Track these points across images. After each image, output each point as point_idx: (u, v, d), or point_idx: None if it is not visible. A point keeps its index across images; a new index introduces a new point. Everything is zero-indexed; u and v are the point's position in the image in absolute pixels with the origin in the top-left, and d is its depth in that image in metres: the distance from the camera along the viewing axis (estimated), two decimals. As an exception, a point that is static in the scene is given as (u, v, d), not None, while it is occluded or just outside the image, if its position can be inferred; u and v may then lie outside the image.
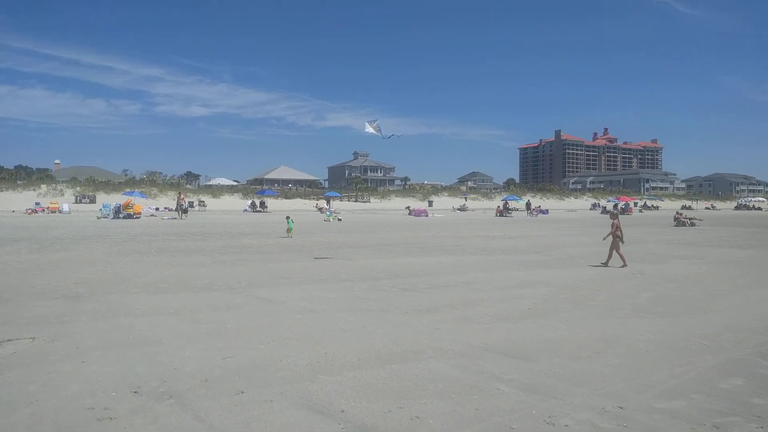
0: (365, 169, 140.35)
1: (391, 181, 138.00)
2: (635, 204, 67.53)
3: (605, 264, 13.85)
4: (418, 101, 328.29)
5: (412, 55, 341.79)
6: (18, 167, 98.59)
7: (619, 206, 61.70)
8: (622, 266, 13.34)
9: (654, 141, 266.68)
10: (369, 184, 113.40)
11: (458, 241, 21.30)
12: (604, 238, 14.38)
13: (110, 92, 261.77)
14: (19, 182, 63.57)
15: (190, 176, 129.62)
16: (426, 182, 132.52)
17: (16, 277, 11.19)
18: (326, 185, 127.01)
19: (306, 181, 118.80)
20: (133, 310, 8.04)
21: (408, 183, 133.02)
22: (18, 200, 52.06)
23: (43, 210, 42.84)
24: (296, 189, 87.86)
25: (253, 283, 10.54)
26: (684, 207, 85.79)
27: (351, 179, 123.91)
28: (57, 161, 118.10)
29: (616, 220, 14.26)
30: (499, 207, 51.77)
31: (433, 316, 7.76)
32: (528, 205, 52.25)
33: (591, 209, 73.74)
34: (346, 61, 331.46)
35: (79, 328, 6.89)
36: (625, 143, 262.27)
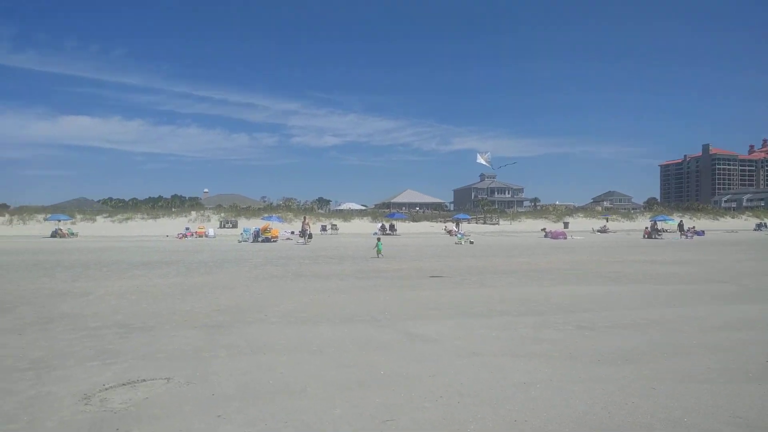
0: (492, 191, 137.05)
1: (520, 203, 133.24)
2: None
3: None
4: (543, 120, 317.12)
5: (536, 75, 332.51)
6: (174, 196, 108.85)
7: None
8: None
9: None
10: (497, 206, 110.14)
11: (615, 266, 18.77)
12: None
13: (252, 126, 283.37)
14: (173, 209, 69.57)
15: (322, 201, 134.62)
16: (557, 203, 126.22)
17: (162, 302, 11.03)
18: (452, 208, 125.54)
19: (432, 204, 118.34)
20: (273, 345, 7.16)
21: (538, 204, 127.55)
22: (172, 225, 56.64)
23: (192, 234, 45.92)
24: (423, 212, 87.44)
25: (398, 315, 9.37)
26: None
27: (477, 201, 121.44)
28: (206, 190, 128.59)
29: None
30: (647, 228, 46.85)
31: (638, 367, 5.99)
32: (681, 225, 46.72)
33: (756, 230, 64.82)
34: (470, 87, 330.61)
35: (216, 368, 6.07)
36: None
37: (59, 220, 50.17)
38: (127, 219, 61.74)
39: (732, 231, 62.50)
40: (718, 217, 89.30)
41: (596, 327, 8.24)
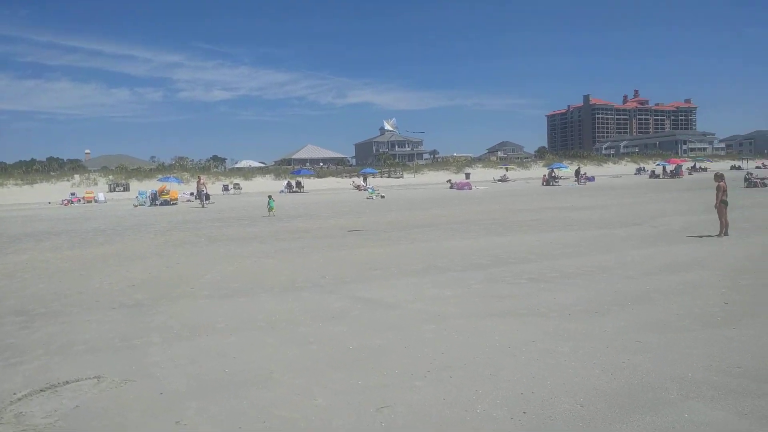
0: (393, 144, 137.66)
1: (419, 155, 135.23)
2: (687, 167, 63.85)
3: (725, 233, 11.74)
4: (438, 74, 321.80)
5: (431, 28, 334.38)
6: (50, 159, 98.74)
7: (668, 169, 58.52)
8: (719, 235, 11.45)
9: (688, 101, 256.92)
10: (397, 159, 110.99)
11: (529, 214, 19.22)
12: (716, 204, 12.05)
13: (133, 80, 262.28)
14: (52, 173, 63.17)
15: (217, 159, 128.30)
16: (455, 154, 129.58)
17: (62, 279, 9.60)
18: (354, 162, 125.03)
19: (334, 159, 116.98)
20: (212, 324, 6.29)
21: (437, 156, 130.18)
22: (53, 191, 51.41)
23: (79, 200, 41.89)
24: (327, 167, 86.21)
25: (339, 278, 8.74)
26: (733, 167, 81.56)
27: (379, 155, 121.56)
28: (87, 151, 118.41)
29: (722, 183, 12.05)
30: (545, 176, 49.13)
31: (611, 320, 5.83)
32: (578, 172, 49.46)
33: (636, 174, 70.39)
34: (363, 38, 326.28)
35: (154, 357, 5.16)
36: (657, 105, 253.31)
37: None
38: (-2, 186, 55.26)
39: (617, 176, 67.36)
40: (601, 164, 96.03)
41: (546, 278, 8.11)
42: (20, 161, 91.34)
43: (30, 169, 67.77)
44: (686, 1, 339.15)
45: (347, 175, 71.89)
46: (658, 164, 64.83)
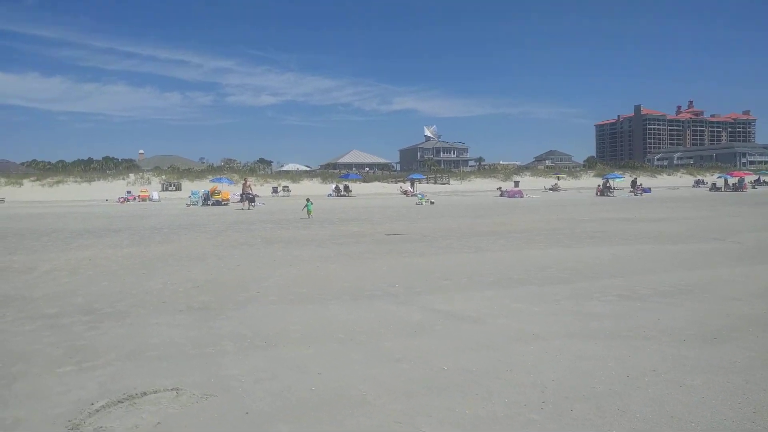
0: (437, 151, 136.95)
1: (465, 162, 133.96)
2: (749, 180, 60.73)
3: None
4: (483, 81, 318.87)
5: (477, 38, 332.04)
6: (106, 158, 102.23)
7: (730, 182, 55.80)
8: None
9: (746, 113, 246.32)
10: (442, 166, 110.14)
11: (594, 225, 18.30)
12: None
13: (185, 85, 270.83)
14: (108, 172, 65.22)
15: (263, 162, 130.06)
16: (501, 162, 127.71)
17: (126, 278, 9.45)
18: (398, 168, 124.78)
19: (378, 164, 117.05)
20: (287, 333, 5.89)
21: (483, 163, 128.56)
22: (109, 189, 53.02)
23: (134, 198, 42.94)
24: (374, 172, 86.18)
25: (411, 287, 8.24)
26: (800, 182, 77.22)
27: (424, 161, 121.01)
28: (141, 151, 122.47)
29: None
30: (599, 186, 47.52)
31: (735, 348, 5.13)
32: (634, 182, 47.66)
33: (694, 186, 67.51)
34: (408, 45, 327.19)
35: (231, 369, 4.78)
36: (713, 116, 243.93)
37: (-19, 185, 45.82)
38: (58, 182, 57.41)
39: (674, 188, 64.77)
40: (655, 175, 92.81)
41: (639, 296, 7.40)
42: (79, 160, 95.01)
43: (88, 168, 70.28)
44: (744, 11, 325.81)
45: (393, 180, 71.59)
46: (719, 176, 62.03)
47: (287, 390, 4.27)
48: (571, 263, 10.28)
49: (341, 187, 50.90)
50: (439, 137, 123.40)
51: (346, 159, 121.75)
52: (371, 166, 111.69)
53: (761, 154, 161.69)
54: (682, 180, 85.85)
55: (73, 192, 53.54)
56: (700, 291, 7.69)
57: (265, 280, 9.05)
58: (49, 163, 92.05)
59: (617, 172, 72.12)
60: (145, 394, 4.21)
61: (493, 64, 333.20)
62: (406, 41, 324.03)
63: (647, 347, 5.17)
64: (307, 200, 24.77)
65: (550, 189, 57.62)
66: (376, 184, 68.06)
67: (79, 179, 59.32)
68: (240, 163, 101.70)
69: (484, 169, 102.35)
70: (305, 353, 5.18)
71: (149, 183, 58.35)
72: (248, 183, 33.03)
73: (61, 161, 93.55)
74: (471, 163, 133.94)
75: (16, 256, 12.61)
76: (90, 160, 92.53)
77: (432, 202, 35.80)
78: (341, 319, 6.46)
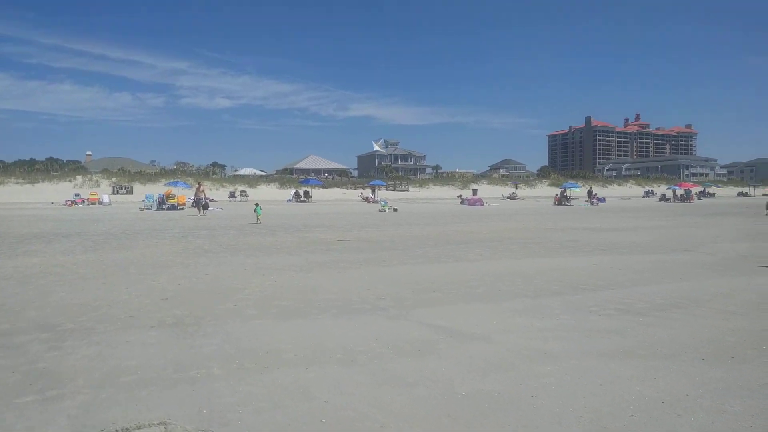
0: (395, 158, 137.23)
1: (422, 170, 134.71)
2: (695, 191, 63.18)
3: None
4: (439, 91, 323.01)
5: (434, 48, 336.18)
6: (50, 159, 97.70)
7: (678, 193, 57.89)
8: None
9: (688, 126, 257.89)
10: (400, 173, 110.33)
11: (562, 235, 18.33)
12: None
13: (136, 86, 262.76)
14: (53, 173, 62.17)
15: (217, 166, 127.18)
16: (458, 170, 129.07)
17: (84, 288, 8.63)
18: (356, 174, 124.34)
19: (336, 170, 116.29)
20: (278, 351, 5.35)
21: (439, 171, 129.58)
22: (55, 192, 50.44)
23: (83, 201, 40.91)
24: (332, 178, 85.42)
25: (400, 300, 7.80)
26: (741, 194, 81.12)
27: (382, 168, 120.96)
28: (89, 152, 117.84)
29: None
30: (557, 195, 48.37)
31: (761, 368, 4.91)
32: (590, 192, 48.72)
33: (645, 197, 69.78)
34: (366, 52, 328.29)
35: (225, 396, 4.21)
36: (658, 129, 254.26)
37: None
38: (-1, 184, 54.23)
39: (626, 198, 66.77)
40: (606, 185, 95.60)
41: (637, 310, 7.19)
42: (20, 160, 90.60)
43: (31, 169, 66.75)
44: (689, 29, 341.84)
45: (353, 186, 71.09)
46: (669, 188, 64.23)
47: (295, 423, 3.75)
48: (555, 274, 10.07)
49: (301, 192, 50.02)
50: (386, 149, 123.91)
51: (304, 164, 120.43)
52: (329, 171, 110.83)
53: (702, 167, 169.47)
54: (632, 190, 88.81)
55: (14, 194, 50.65)
56: (695, 304, 7.54)
57: (240, 292, 8.43)
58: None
59: (578, 182, 73.86)
60: (127, 430, 3.60)
61: (449, 74, 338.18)
62: (364, 49, 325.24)
63: (669, 367, 4.89)
64: (256, 204, 25.51)
65: (508, 197, 58.36)
66: (336, 190, 67.39)
67: (21, 180, 56.25)
68: (193, 166, 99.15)
69: (441, 177, 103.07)
70: (305, 377, 4.65)
71: (98, 186, 55.88)
72: (202, 188, 30.87)
73: (1, 161, 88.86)
74: (428, 170, 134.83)
75: (-45, 263, 11.49)
76: (33, 161, 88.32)
77: (395, 209, 35.52)
78: (334, 336, 5.95)
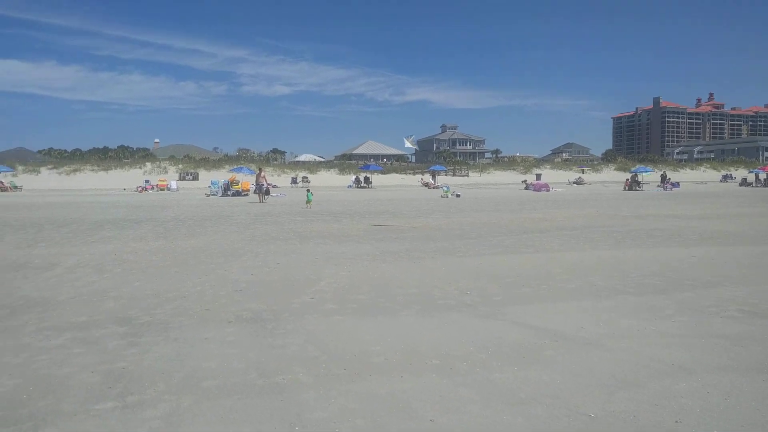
0: (454, 142, 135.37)
1: (481, 154, 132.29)
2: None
3: None
4: (495, 73, 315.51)
5: (487, 27, 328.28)
6: (121, 147, 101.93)
7: (761, 177, 53.94)
8: None
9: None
10: (459, 158, 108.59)
11: (645, 222, 17.10)
12: None
13: (199, 74, 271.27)
14: (125, 161, 64.71)
15: (277, 152, 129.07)
16: (518, 154, 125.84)
17: (157, 278, 8.48)
18: (413, 159, 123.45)
19: (394, 155, 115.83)
20: (366, 354, 4.86)
21: (499, 155, 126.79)
22: (126, 178, 52.44)
23: (153, 188, 42.24)
24: (391, 164, 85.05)
25: (487, 295, 7.18)
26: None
27: (440, 152, 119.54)
28: (156, 140, 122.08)
29: None
30: (627, 180, 46.02)
31: None
32: (663, 177, 46.10)
33: (722, 181, 65.63)
34: (422, 37, 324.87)
35: (316, 411, 3.75)
36: (734, 109, 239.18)
37: (-1, 172, 45.31)
38: (75, 171, 56.98)
39: (702, 182, 63.03)
40: (677, 169, 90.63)
41: (765, 312, 6.28)
42: (94, 148, 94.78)
43: (105, 156, 69.80)
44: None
45: (412, 171, 70.42)
46: (750, 171, 60.02)
47: (379, 425, 3.24)
48: (652, 267, 9.16)
49: (362, 178, 49.84)
50: (416, 144, 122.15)
51: (361, 150, 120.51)
52: (388, 157, 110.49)
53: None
54: (707, 174, 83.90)
55: (90, 181, 53.05)
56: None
57: (315, 283, 8.04)
58: (65, 151, 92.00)
59: (646, 166, 70.15)
60: (215, 450, 3.19)
61: (507, 57, 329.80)
62: (419, 33, 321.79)
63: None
64: (308, 191, 27.52)
65: (574, 182, 56.20)
66: (395, 175, 66.92)
67: (96, 168, 58.83)
68: (255, 153, 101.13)
69: (502, 161, 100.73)
70: (401, 388, 4.13)
71: (166, 172, 57.71)
72: (263, 174, 30.13)
73: (78, 150, 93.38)
74: (487, 155, 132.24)
75: (36, 249, 11.72)
76: (106, 149, 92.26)
77: (458, 195, 34.67)
78: (424, 336, 5.41)
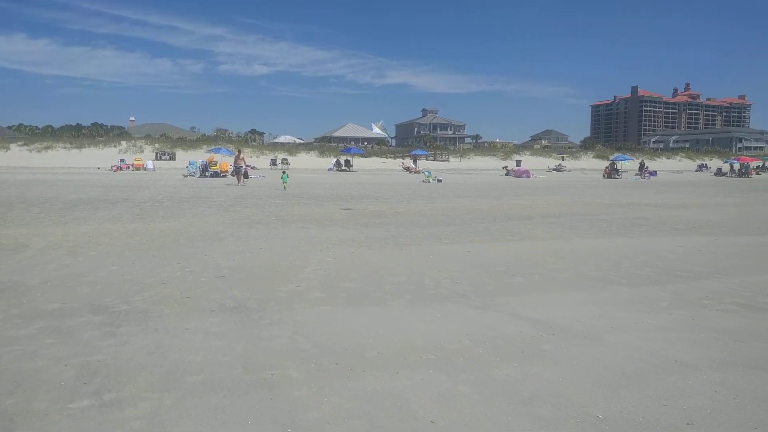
0: (434, 127, 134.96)
1: (461, 139, 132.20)
2: (754, 166, 59.73)
3: None
4: (476, 58, 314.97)
5: (468, 12, 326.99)
6: (95, 124, 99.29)
7: (735, 167, 54.92)
8: None
9: (742, 97, 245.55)
10: (439, 142, 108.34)
11: (627, 211, 17.14)
12: None
13: (176, 52, 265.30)
14: (99, 139, 63.07)
15: (255, 133, 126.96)
16: (498, 140, 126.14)
17: (135, 262, 8.12)
18: (393, 143, 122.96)
19: (374, 139, 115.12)
20: (359, 348, 4.64)
21: (479, 141, 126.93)
22: (100, 157, 51.12)
23: (128, 167, 41.21)
24: (372, 147, 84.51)
25: (480, 285, 7.00)
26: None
27: (420, 137, 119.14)
28: (132, 118, 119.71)
29: None
30: (606, 168, 46.39)
31: None
32: (642, 165, 46.54)
33: (698, 170, 66.63)
34: (403, 19, 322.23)
35: (310, 410, 3.52)
36: (709, 99, 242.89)
37: (-35, 148, 43.67)
38: (47, 148, 55.41)
39: (678, 171, 63.89)
40: (654, 158, 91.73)
41: (760, 305, 6.22)
42: (67, 125, 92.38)
43: (78, 134, 67.97)
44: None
45: (392, 155, 70.04)
46: (725, 161, 61.03)
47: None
48: (641, 257, 9.08)
49: (342, 161, 49.34)
50: (385, 131, 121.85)
51: (341, 132, 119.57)
52: (367, 140, 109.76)
53: (757, 140, 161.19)
54: (682, 164, 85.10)
55: (62, 158, 51.59)
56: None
57: (301, 270, 7.77)
58: (36, 127, 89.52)
59: (625, 155, 70.75)
60: (203, 457, 2.94)
61: (489, 42, 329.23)
62: (401, 15, 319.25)
63: None
64: (283, 172, 26.42)
65: (554, 169, 56.48)
66: (375, 159, 66.48)
67: (68, 145, 57.23)
68: (233, 133, 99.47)
69: (482, 146, 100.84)
70: (398, 385, 3.92)
71: (141, 151, 56.41)
72: (242, 156, 28.96)
73: (49, 126, 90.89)
74: (467, 140, 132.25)
75: (4, 229, 11.22)
76: (79, 126, 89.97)
77: (439, 180, 34.51)
78: (418, 329, 5.21)
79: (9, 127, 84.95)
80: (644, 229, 12.89)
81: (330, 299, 6.24)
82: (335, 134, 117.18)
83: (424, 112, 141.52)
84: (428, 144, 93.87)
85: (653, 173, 49.33)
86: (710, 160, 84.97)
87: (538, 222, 13.87)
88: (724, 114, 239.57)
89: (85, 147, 57.02)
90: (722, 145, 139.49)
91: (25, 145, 56.17)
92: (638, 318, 5.62)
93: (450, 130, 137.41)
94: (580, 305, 6.08)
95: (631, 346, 4.77)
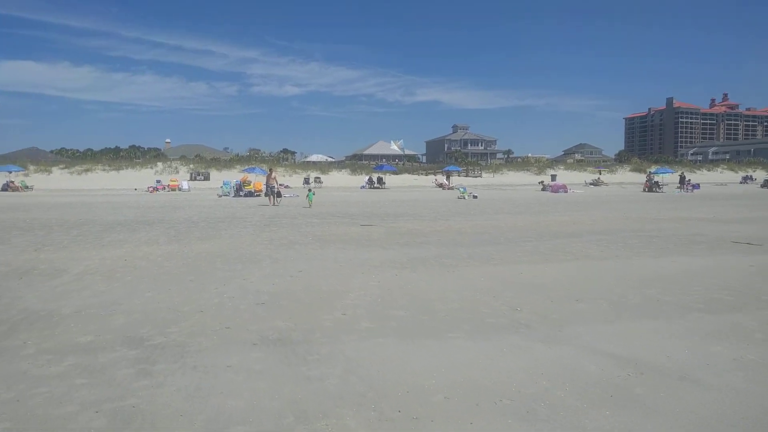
0: (465, 143, 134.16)
1: (493, 155, 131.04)
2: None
3: None
4: (506, 73, 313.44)
5: (498, 28, 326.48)
6: (132, 147, 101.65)
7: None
8: None
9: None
10: (470, 158, 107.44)
11: (679, 226, 16.19)
12: None
13: (210, 75, 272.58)
14: (136, 161, 64.40)
15: (287, 153, 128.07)
16: (530, 155, 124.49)
17: (171, 287, 7.75)
18: (424, 160, 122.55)
19: (405, 156, 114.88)
20: (421, 390, 4.08)
21: (511, 156, 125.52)
22: (137, 178, 52.02)
23: (164, 188, 41.71)
24: (403, 164, 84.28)
25: (540, 312, 6.38)
26: None
27: (451, 153, 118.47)
28: (168, 140, 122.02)
29: None
30: (646, 181, 44.90)
31: None
32: (683, 179, 44.90)
33: (742, 183, 64.21)
34: (432, 37, 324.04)
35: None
36: (749, 109, 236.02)
37: (10, 172, 44.90)
38: (87, 171, 56.72)
39: (722, 184, 61.69)
40: (693, 170, 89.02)
41: None
42: (106, 148, 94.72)
43: (116, 156, 69.58)
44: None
45: (424, 172, 69.53)
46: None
47: None
48: (713, 278, 8.30)
49: (375, 179, 49.05)
50: (403, 150, 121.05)
51: (372, 150, 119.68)
52: (398, 157, 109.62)
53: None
54: (724, 176, 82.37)
55: (101, 180, 52.71)
56: None
57: (345, 295, 7.28)
58: (77, 151, 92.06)
59: (665, 167, 68.70)
60: None
61: (518, 57, 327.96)
62: (430, 34, 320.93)
63: None
64: (309, 191, 27.14)
65: (591, 183, 55.09)
66: (407, 176, 66.05)
67: (107, 167, 58.53)
68: (265, 153, 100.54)
69: (515, 161, 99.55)
70: (474, 440, 3.35)
71: (177, 172, 57.27)
72: (274, 175, 27.84)
73: (90, 149, 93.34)
74: (499, 155, 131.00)
75: (43, 253, 11.06)
76: (117, 149, 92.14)
77: (475, 196, 33.81)
78: (484, 367, 4.63)
79: (51, 151, 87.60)
80: (704, 246, 12.03)
81: (380, 330, 5.71)
82: (366, 152, 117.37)
83: (455, 128, 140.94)
84: (460, 160, 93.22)
85: (696, 186, 47.55)
86: (754, 171, 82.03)
87: (587, 239, 13.11)
88: (765, 124, 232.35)
89: (123, 169, 58.21)
90: (765, 156, 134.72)
91: (66, 168, 57.65)
92: (736, 353, 4.92)
93: (481, 145, 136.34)
94: (662, 337, 5.41)
95: (740, 392, 4.09)
